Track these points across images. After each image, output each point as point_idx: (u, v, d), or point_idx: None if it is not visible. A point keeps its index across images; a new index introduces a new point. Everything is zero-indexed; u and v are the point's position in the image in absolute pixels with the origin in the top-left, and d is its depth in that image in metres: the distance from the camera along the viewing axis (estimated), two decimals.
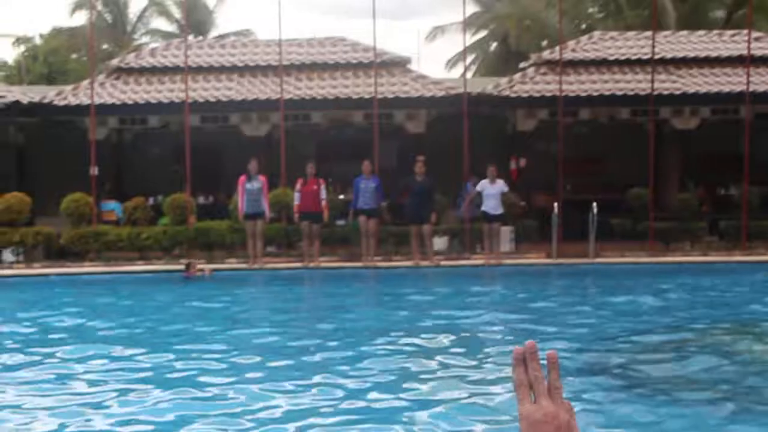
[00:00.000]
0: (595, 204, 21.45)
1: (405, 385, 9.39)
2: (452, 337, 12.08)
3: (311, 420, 8.17)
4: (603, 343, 11.81)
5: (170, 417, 8.38)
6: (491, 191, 21.29)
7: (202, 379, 9.82)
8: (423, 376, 9.80)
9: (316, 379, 9.68)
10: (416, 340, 11.82)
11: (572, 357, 10.66)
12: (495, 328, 13.20)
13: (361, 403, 8.80)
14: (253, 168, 21.29)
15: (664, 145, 25.02)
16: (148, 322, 14.17)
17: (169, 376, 10.04)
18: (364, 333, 12.55)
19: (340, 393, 9.12)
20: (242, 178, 21.36)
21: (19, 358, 11.03)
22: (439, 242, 22.71)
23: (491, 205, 21.35)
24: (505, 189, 21.52)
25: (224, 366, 10.45)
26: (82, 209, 22.68)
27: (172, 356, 10.99)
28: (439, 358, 10.78)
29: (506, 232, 22.87)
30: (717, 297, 16.49)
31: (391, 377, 9.80)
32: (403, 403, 8.75)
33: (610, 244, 22.38)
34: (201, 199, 25.13)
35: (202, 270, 20.10)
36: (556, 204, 21.90)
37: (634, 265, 21.05)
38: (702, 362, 10.51)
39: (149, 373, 10.12)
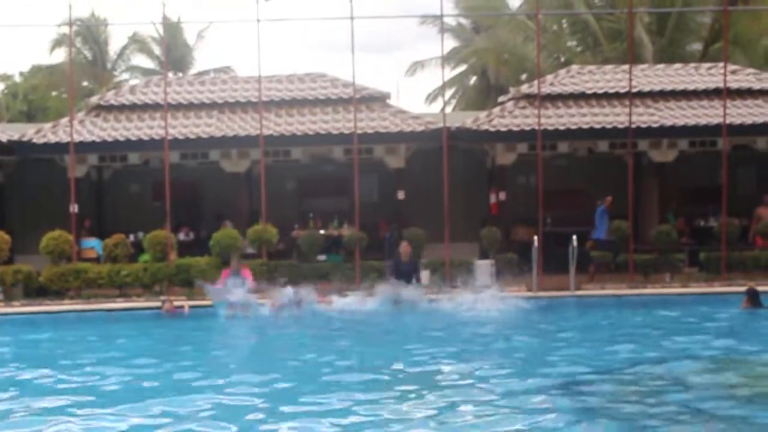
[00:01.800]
0: (575, 237, 21.52)
1: None
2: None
3: None
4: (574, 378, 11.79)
5: None
6: None
7: None
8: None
9: None
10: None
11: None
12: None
13: None
14: (235, 265, 20.31)
15: (642, 177, 25.16)
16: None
17: None
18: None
19: None
20: (225, 272, 20.35)
21: None
22: (421, 276, 22.67)
23: None
24: None
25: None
26: (61, 247, 22.58)
27: None
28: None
29: (487, 265, 22.89)
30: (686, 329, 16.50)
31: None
32: None
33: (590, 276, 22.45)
34: (181, 236, 25.05)
35: (181, 306, 20.02)
36: (536, 237, 21.96)
37: (614, 297, 21.07)
38: (670, 398, 10.56)
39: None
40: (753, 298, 18.10)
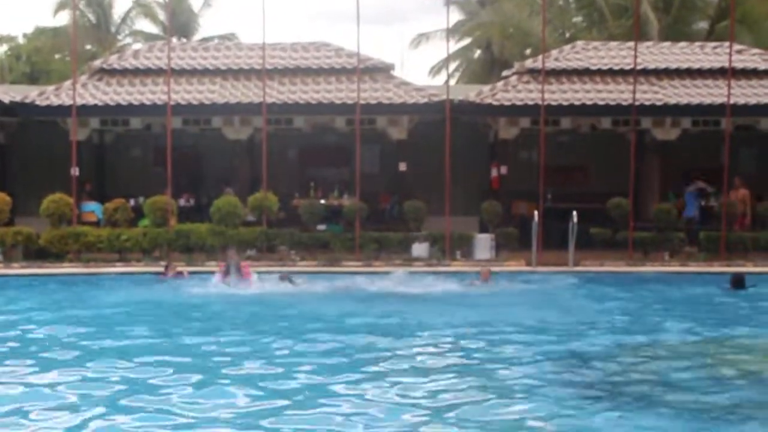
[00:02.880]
0: (575, 213, 21.53)
1: None
2: None
3: None
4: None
5: None
6: None
7: None
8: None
9: None
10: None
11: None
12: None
13: None
14: (233, 259, 18.84)
15: (644, 155, 25.13)
16: None
17: None
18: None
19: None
20: (221, 264, 19.26)
21: None
22: (420, 248, 22.74)
23: None
24: None
25: None
26: (62, 210, 22.60)
27: None
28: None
29: (487, 239, 22.94)
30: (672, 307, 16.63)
31: None
32: None
33: (589, 252, 22.48)
34: (182, 202, 25.05)
35: (181, 272, 20.08)
36: (536, 212, 21.98)
37: (612, 274, 21.11)
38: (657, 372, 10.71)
39: None
40: (737, 283, 18.38)
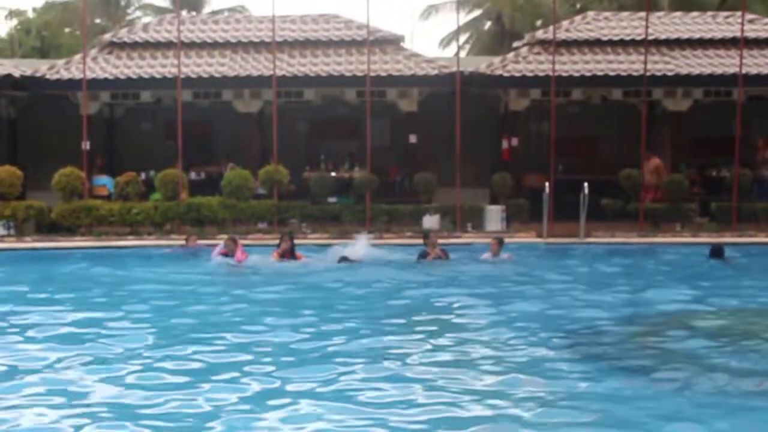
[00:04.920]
0: (586, 184, 21.49)
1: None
2: None
3: None
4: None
5: None
6: None
7: None
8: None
9: None
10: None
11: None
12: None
13: None
14: (230, 247, 18.08)
15: (656, 126, 25.04)
16: None
17: None
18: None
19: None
20: (222, 250, 18.16)
21: None
22: (431, 220, 22.75)
23: None
24: None
25: None
26: (73, 184, 22.64)
27: None
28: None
29: (497, 211, 22.93)
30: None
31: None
32: None
33: (600, 224, 22.45)
34: (192, 175, 25.08)
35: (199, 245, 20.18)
36: (547, 184, 21.95)
37: (623, 245, 21.09)
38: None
39: None
40: (716, 253, 18.51)
